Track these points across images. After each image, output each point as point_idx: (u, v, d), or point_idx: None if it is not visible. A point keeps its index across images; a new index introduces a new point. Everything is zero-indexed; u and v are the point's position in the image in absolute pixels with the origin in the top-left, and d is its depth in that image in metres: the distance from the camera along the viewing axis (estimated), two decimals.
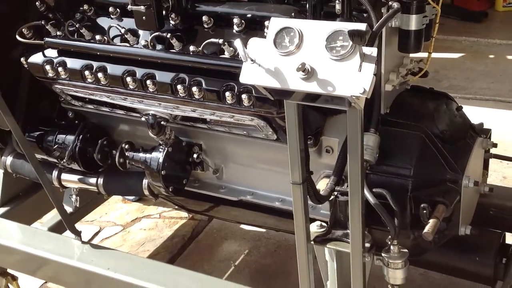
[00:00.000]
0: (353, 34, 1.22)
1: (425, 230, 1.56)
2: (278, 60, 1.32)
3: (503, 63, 5.12)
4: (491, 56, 5.31)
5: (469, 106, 4.46)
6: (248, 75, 1.35)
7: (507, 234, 2.09)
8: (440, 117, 1.76)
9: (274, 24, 1.34)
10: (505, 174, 3.37)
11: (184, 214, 3.18)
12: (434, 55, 5.96)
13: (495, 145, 1.97)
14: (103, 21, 1.90)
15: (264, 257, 2.85)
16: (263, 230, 2.95)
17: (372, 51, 1.25)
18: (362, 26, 1.26)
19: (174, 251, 2.91)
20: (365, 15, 1.68)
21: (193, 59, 1.70)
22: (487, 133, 2.08)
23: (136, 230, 3.11)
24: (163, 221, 3.18)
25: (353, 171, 1.46)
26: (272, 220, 2.17)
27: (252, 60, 1.34)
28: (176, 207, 2.58)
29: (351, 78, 1.25)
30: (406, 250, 1.64)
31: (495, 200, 2.19)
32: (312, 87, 1.29)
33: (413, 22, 1.61)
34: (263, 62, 1.33)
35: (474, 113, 4.10)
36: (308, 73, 1.28)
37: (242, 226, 3.03)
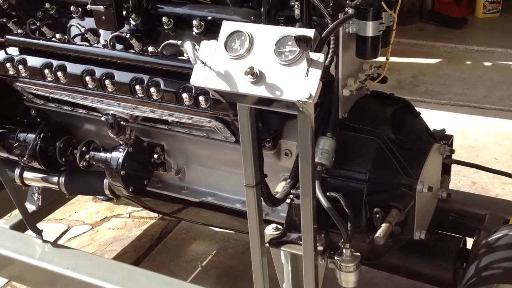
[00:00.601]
0: (299, 40, 1.23)
1: (377, 234, 1.58)
2: (228, 63, 1.33)
3: (479, 69, 5.18)
4: (468, 62, 5.37)
5: (444, 112, 4.53)
6: (199, 78, 1.35)
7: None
8: (397, 123, 1.77)
9: (226, 27, 1.35)
10: (474, 179, 3.41)
11: (154, 214, 3.17)
12: (412, 60, 6.00)
13: (452, 151, 2.00)
14: (65, 20, 1.90)
15: (231, 258, 2.86)
16: (232, 231, 2.95)
17: (319, 56, 1.27)
18: (310, 32, 1.27)
19: (142, 251, 2.91)
20: (325, 20, 1.71)
21: (152, 59, 1.70)
22: (448, 139, 2.11)
23: (104, 230, 3.10)
24: (133, 220, 3.18)
25: (304, 174, 1.47)
26: (238, 222, 2.18)
27: (203, 63, 1.35)
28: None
29: (298, 83, 1.27)
30: (358, 254, 1.65)
31: (455, 205, 2.22)
32: (260, 91, 1.30)
33: (370, 29, 1.62)
34: (213, 65, 1.34)
35: (448, 119, 4.19)
36: (257, 77, 1.29)
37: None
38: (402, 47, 5.75)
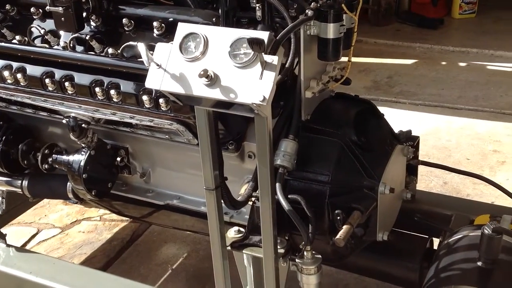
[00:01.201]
0: (252, 42, 1.23)
1: (337, 236, 1.58)
2: (183, 66, 1.32)
3: (454, 70, 5.23)
4: (444, 63, 5.41)
5: (418, 112, 4.56)
6: (154, 80, 1.34)
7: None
8: (360, 125, 1.77)
9: (181, 29, 1.34)
10: (446, 179, 3.43)
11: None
12: (388, 61, 6.02)
13: (415, 153, 2.00)
14: (25, 22, 1.87)
15: (202, 261, 2.84)
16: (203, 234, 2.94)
17: (273, 59, 1.26)
18: (264, 35, 1.26)
19: (112, 255, 2.88)
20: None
21: (111, 61, 1.68)
22: (415, 140, 2.12)
23: (74, 233, 3.06)
24: (103, 223, 3.14)
25: (263, 177, 1.47)
26: (206, 225, 2.16)
27: (157, 65, 1.33)
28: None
29: (252, 85, 1.26)
30: (319, 256, 1.65)
31: (421, 205, 2.23)
32: (215, 94, 1.29)
33: (331, 31, 1.62)
34: (169, 67, 1.33)
35: (422, 119, 4.22)
36: (211, 80, 1.29)
37: None
38: (379, 47, 5.79)
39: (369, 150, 1.77)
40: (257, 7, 1.62)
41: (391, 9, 6.33)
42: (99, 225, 3.14)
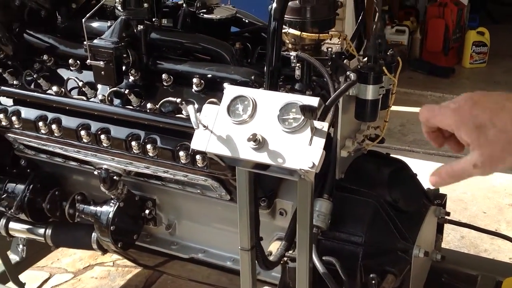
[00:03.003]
0: (304, 109, 1.23)
1: None
2: (230, 128, 1.32)
3: None
4: None
5: (432, 162, 4.55)
6: (200, 141, 1.33)
7: None
8: (394, 185, 1.77)
9: (229, 92, 1.34)
10: (463, 233, 3.40)
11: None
12: (401, 108, 6.04)
13: (447, 214, 1.99)
14: (62, 72, 1.88)
15: None
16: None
17: (323, 125, 1.26)
18: (314, 101, 1.26)
19: None
20: (324, 80, 1.71)
21: (149, 116, 1.69)
22: (442, 198, 2.11)
23: (87, 279, 3.01)
24: (116, 269, 3.10)
25: (302, 240, 1.45)
26: (225, 278, 2.14)
27: (204, 126, 1.33)
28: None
29: (301, 151, 1.25)
30: None
31: (448, 265, 2.20)
32: (262, 158, 1.28)
33: (370, 92, 1.63)
34: (215, 129, 1.32)
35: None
36: (259, 143, 1.28)
37: None
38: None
39: (403, 211, 1.76)
40: (297, 67, 1.63)
41: (403, 56, 6.41)
42: (112, 270, 3.09)
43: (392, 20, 6.55)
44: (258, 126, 1.30)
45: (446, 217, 2.07)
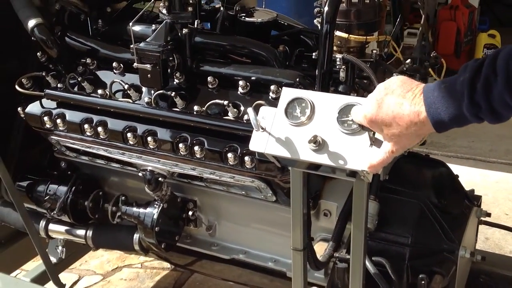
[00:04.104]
0: None
1: None
2: (288, 130, 1.33)
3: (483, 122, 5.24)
4: None
5: (451, 164, 4.50)
6: (258, 143, 1.35)
7: None
8: (438, 186, 1.78)
9: (286, 94, 1.35)
10: (487, 235, 3.40)
11: (167, 264, 3.11)
12: None
13: (488, 215, 2.00)
14: (105, 75, 1.90)
15: None
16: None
17: None
18: None
19: None
20: (365, 81, 1.73)
21: (197, 119, 1.70)
22: (478, 199, 2.12)
23: (116, 280, 3.03)
24: (145, 271, 3.11)
25: (357, 241, 1.46)
26: (258, 278, 2.15)
27: (262, 128, 1.34)
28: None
29: (361, 152, 1.26)
30: None
31: (485, 266, 2.21)
32: (323, 159, 1.29)
33: None
34: (273, 131, 1.34)
35: (455, 172, 4.21)
36: (319, 145, 1.29)
37: None
38: None
39: (448, 212, 1.77)
40: (342, 69, 1.65)
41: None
42: (140, 272, 3.10)
43: (403, 23, 6.56)
44: (316, 128, 1.31)
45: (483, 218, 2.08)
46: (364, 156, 1.26)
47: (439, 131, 1.14)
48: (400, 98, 1.13)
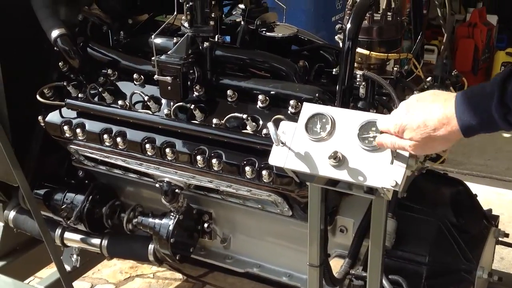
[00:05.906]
0: None
1: None
2: (308, 145, 1.33)
3: (499, 140, 5.19)
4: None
5: (466, 182, 4.50)
6: (278, 157, 1.35)
7: None
8: (457, 205, 1.76)
9: (307, 109, 1.36)
10: (502, 255, 3.36)
11: (179, 275, 3.10)
12: None
13: (506, 235, 1.97)
14: (125, 86, 1.91)
15: None
16: None
17: None
18: None
19: None
20: (384, 98, 1.72)
21: (216, 132, 1.71)
22: (495, 219, 2.09)
23: None
24: (157, 281, 3.11)
25: (374, 258, 1.45)
26: None
27: (282, 143, 1.35)
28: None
29: (382, 169, 1.26)
30: None
31: (502, 287, 2.18)
32: (343, 175, 1.29)
33: None
34: (293, 145, 1.34)
35: (472, 190, 4.17)
36: (339, 161, 1.29)
37: None
38: None
39: (466, 231, 1.75)
40: (362, 85, 1.64)
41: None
42: (152, 282, 3.10)
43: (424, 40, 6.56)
44: (337, 143, 1.31)
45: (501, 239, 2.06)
46: (384, 173, 1.26)
47: (466, 134, 1.13)
48: (431, 103, 1.15)
